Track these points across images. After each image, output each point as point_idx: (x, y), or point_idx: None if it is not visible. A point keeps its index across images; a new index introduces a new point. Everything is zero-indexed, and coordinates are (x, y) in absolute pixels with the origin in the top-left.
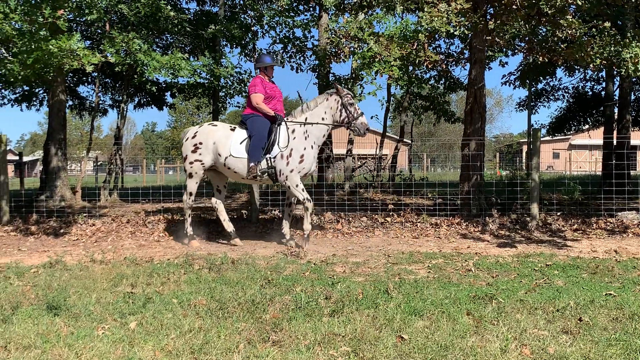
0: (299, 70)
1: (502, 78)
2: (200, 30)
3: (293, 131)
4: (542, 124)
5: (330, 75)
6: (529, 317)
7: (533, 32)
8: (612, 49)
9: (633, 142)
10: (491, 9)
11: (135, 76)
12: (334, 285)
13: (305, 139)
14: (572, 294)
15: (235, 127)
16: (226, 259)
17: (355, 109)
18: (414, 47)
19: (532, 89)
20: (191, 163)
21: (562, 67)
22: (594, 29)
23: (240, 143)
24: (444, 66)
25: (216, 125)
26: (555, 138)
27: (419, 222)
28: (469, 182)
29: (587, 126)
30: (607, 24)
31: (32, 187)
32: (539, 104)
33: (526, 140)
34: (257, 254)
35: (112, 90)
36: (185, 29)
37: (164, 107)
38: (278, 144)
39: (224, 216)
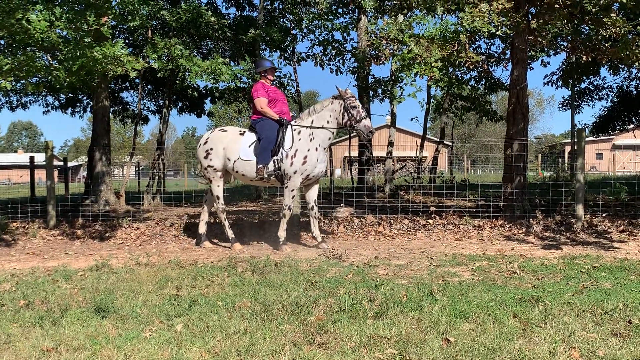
0: (338, 73)
1: (544, 78)
2: (240, 35)
3: (299, 132)
4: (585, 124)
5: (370, 77)
6: (577, 319)
7: (576, 31)
8: None
9: None
10: (533, 9)
11: (177, 82)
12: (377, 287)
13: (311, 140)
14: (621, 296)
15: (244, 132)
16: (269, 261)
17: (358, 111)
18: (455, 48)
19: (575, 89)
20: (205, 169)
21: (606, 66)
22: (639, 27)
23: (249, 146)
24: (485, 67)
25: (226, 131)
26: (598, 139)
27: (461, 224)
28: (512, 183)
29: (632, 126)
30: None
31: (76, 192)
32: (583, 103)
33: (568, 140)
34: (299, 257)
35: (154, 96)
36: (226, 34)
37: (202, 114)
38: (284, 146)
39: (204, 217)
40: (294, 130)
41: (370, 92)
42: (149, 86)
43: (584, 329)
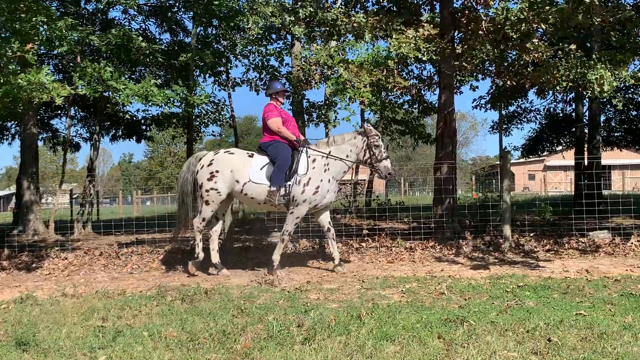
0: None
1: (472, 102)
2: (173, 60)
3: (314, 160)
4: (514, 146)
5: (305, 101)
6: (500, 338)
7: (502, 56)
8: (578, 71)
9: (605, 162)
10: (458, 34)
11: (108, 106)
12: (306, 312)
13: (325, 171)
14: (543, 315)
15: (253, 154)
16: (199, 289)
17: (380, 151)
18: (384, 74)
19: (504, 112)
20: (207, 191)
21: (533, 90)
22: (560, 52)
23: (260, 169)
24: (415, 92)
25: (233, 153)
26: (530, 160)
27: (393, 246)
28: (442, 205)
29: (560, 147)
30: (573, 47)
31: (5, 222)
32: (512, 126)
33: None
34: (231, 284)
35: (86, 122)
36: (157, 59)
37: (142, 139)
38: (297, 172)
39: (214, 245)
40: (309, 157)
41: (305, 116)
42: (81, 112)
43: (506, 348)
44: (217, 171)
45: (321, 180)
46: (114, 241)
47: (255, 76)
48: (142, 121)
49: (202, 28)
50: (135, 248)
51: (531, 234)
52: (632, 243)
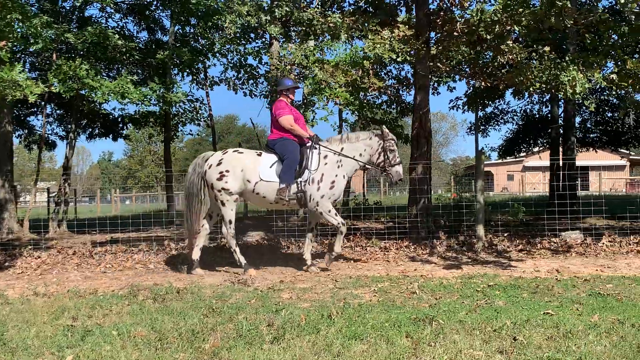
0: (252, 96)
1: (449, 103)
2: (150, 57)
3: (325, 156)
4: (491, 147)
5: None
6: (466, 337)
7: (477, 57)
8: (551, 72)
9: (583, 163)
10: (433, 34)
11: (84, 103)
12: (277, 312)
13: (338, 167)
14: (510, 314)
15: (261, 152)
16: (171, 288)
17: (395, 156)
18: (359, 74)
19: (482, 113)
20: (219, 191)
21: (510, 91)
22: (534, 54)
23: (270, 167)
24: (390, 92)
25: (242, 152)
26: (509, 160)
27: (368, 246)
28: (417, 205)
29: (536, 148)
30: (547, 49)
31: None
32: (489, 127)
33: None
34: (204, 283)
35: (63, 121)
36: (134, 57)
37: (119, 138)
38: (309, 168)
39: (199, 242)
40: (320, 153)
41: None
42: (57, 110)
43: (472, 346)
44: (227, 171)
45: (336, 176)
46: (89, 240)
47: (234, 75)
48: (119, 119)
49: (179, 26)
50: (110, 247)
51: (505, 234)
52: (603, 243)
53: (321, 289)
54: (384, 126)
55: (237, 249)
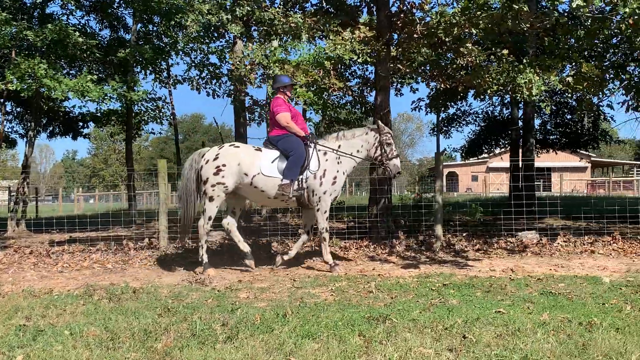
0: (215, 96)
1: (411, 104)
2: (112, 56)
3: (325, 154)
4: (454, 148)
5: (247, 99)
6: (418, 335)
7: (438, 59)
8: (509, 75)
9: (545, 164)
10: (399, 37)
11: (44, 101)
12: (233, 311)
13: (338, 163)
14: (462, 312)
15: (260, 148)
16: (127, 288)
17: (392, 149)
18: (320, 74)
19: (444, 114)
20: (213, 186)
21: (472, 93)
22: (492, 56)
23: (272, 162)
24: (350, 92)
25: (238, 147)
26: (474, 161)
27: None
28: (377, 205)
29: (498, 149)
30: (505, 52)
31: None
32: (452, 128)
33: (447, 163)
34: (161, 283)
35: (23, 119)
36: (95, 55)
37: (79, 137)
38: (309, 166)
39: (238, 237)
40: (319, 151)
41: (247, 114)
42: (18, 108)
43: (422, 344)
44: (224, 165)
45: (337, 172)
46: (47, 239)
47: (197, 74)
48: (80, 118)
49: (142, 24)
50: (68, 247)
51: (464, 234)
52: (558, 243)
53: (279, 288)
54: (379, 120)
55: (205, 247)
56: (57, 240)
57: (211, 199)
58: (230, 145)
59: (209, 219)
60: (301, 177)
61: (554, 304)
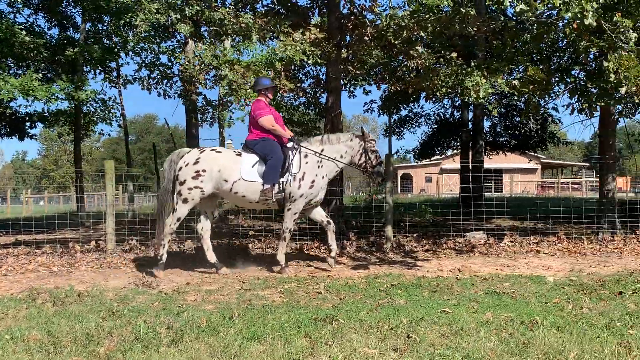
0: (166, 97)
1: (364, 106)
2: (59, 55)
3: (306, 156)
4: (406, 149)
5: (201, 99)
6: (363, 336)
7: (389, 62)
8: (457, 77)
9: (496, 165)
10: (348, 36)
11: None
12: (179, 314)
13: (319, 167)
14: (408, 312)
15: (240, 152)
16: (72, 291)
17: (376, 156)
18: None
19: (397, 116)
20: (190, 189)
21: (423, 95)
22: (442, 59)
23: (252, 167)
24: (303, 93)
25: (220, 151)
26: (428, 163)
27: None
28: (328, 206)
29: (450, 151)
30: (454, 55)
31: None
32: (405, 130)
33: (401, 164)
34: (107, 286)
35: None
36: (42, 54)
37: (26, 137)
38: (290, 169)
39: (207, 245)
40: (301, 153)
41: (199, 115)
42: None
43: (367, 345)
44: (204, 170)
45: (316, 175)
46: None
47: (147, 74)
48: (26, 118)
49: (91, 24)
50: (13, 249)
51: (414, 235)
52: (505, 243)
53: (227, 290)
54: (364, 127)
55: (167, 246)
56: (2, 243)
57: (185, 200)
58: (212, 150)
59: (178, 219)
60: (282, 179)
61: (498, 303)
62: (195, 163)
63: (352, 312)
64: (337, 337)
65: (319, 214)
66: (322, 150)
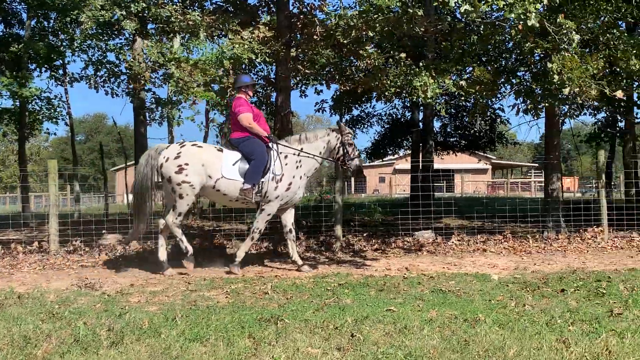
0: (113, 95)
1: (315, 105)
2: (3, 51)
3: (286, 157)
4: (359, 150)
5: (150, 96)
6: (308, 335)
7: (340, 61)
8: (406, 77)
9: (447, 166)
10: (300, 38)
11: None
12: (121, 316)
13: (297, 168)
14: (354, 311)
15: (222, 149)
16: (12, 293)
17: (354, 149)
18: (219, 74)
19: (348, 116)
20: (179, 184)
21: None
22: (391, 60)
23: (233, 165)
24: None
25: (201, 146)
26: (381, 163)
27: (227, 247)
28: None
29: (402, 151)
30: (403, 55)
31: None
32: (357, 129)
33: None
34: (49, 287)
35: None
36: None
37: None
38: (272, 169)
39: (161, 242)
40: (280, 153)
41: (148, 114)
42: None
43: (311, 344)
44: (186, 164)
45: (293, 177)
46: None
47: (94, 72)
48: None
49: (36, 20)
50: None
51: (364, 234)
52: (452, 242)
53: (173, 291)
54: (338, 121)
55: (184, 237)
56: None
57: (181, 196)
58: (193, 145)
59: (179, 214)
60: (262, 180)
61: (443, 301)
62: (177, 158)
63: (297, 312)
64: (281, 337)
65: (289, 218)
66: (302, 149)
